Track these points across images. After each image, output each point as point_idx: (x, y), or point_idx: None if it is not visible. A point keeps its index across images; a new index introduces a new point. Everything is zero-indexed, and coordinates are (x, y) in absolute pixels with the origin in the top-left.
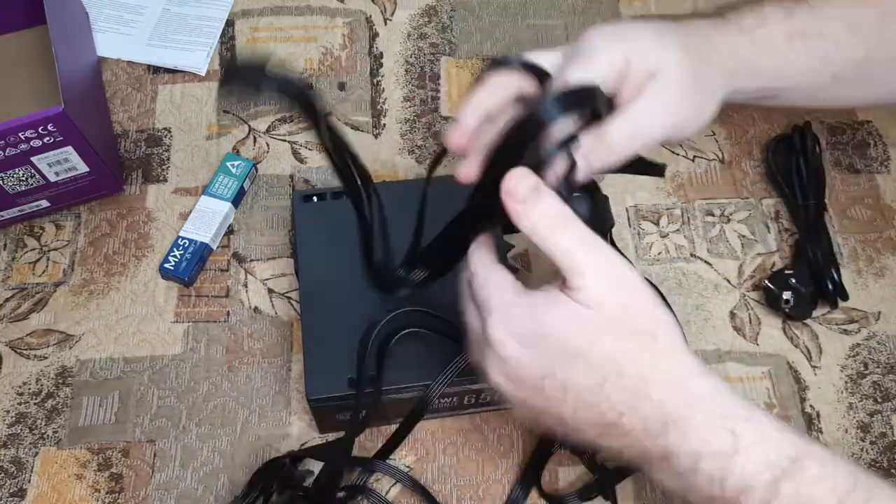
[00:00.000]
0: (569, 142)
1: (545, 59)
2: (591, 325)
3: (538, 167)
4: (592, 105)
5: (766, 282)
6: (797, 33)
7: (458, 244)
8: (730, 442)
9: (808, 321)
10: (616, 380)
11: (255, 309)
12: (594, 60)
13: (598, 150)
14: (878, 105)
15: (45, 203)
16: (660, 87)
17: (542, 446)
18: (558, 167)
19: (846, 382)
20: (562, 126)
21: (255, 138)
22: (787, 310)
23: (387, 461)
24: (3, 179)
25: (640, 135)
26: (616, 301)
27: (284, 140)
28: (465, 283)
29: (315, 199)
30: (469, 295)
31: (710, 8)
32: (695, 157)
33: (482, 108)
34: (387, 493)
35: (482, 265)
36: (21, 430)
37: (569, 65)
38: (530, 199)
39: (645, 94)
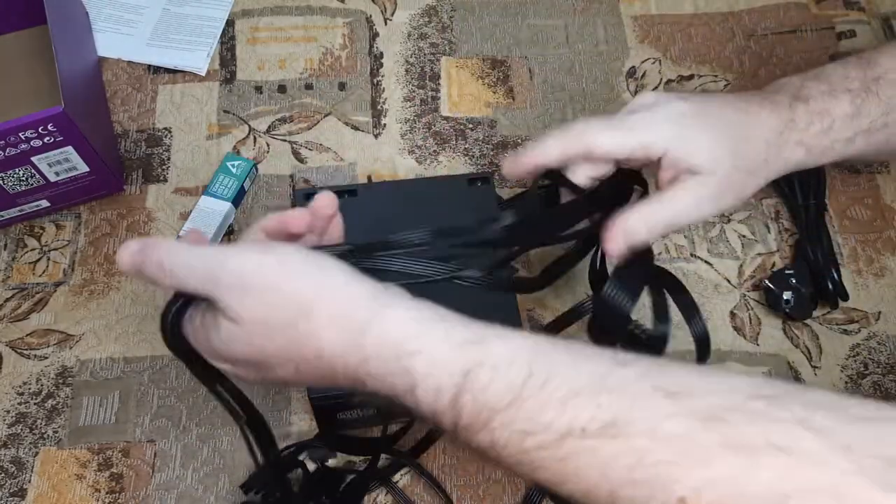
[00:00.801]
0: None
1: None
2: (248, 336)
3: None
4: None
5: (767, 282)
6: (862, 131)
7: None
8: (408, 381)
9: (809, 321)
10: (305, 365)
11: None
12: (634, 135)
13: (636, 230)
14: None
15: (45, 203)
16: (697, 186)
17: None
18: None
19: (846, 383)
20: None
21: (255, 138)
22: (787, 310)
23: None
24: (3, 179)
25: (669, 224)
26: (253, 311)
27: (285, 140)
28: None
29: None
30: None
31: (711, 9)
32: None
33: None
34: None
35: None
36: (21, 429)
37: (611, 125)
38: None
39: (681, 189)
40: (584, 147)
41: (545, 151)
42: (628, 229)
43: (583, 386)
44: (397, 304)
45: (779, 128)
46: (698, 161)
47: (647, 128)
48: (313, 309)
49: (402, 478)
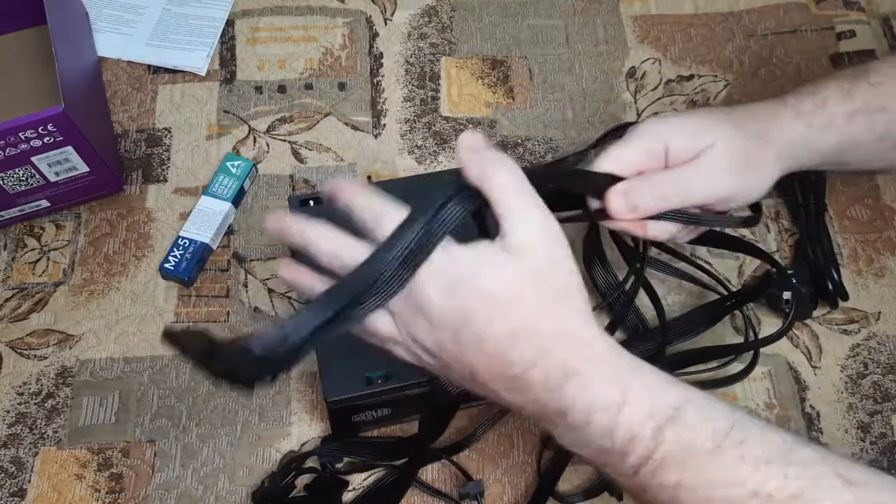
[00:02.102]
0: None
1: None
2: (514, 271)
3: None
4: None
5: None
6: (859, 111)
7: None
8: (619, 395)
9: (809, 321)
10: (528, 334)
11: (256, 309)
12: (631, 146)
13: (638, 191)
14: None
15: (45, 203)
16: (708, 157)
17: (561, 458)
18: None
19: (846, 382)
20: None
21: (255, 138)
22: (787, 310)
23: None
24: (3, 179)
25: (680, 192)
26: (544, 251)
27: (284, 140)
28: None
29: (311, 202)
30: None
31: (711, 9)
32: None
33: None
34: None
35: None
36: (21, 430)
37: (609, 152)
38: (487, 153)
39: (693, 161)
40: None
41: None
42: (630, 189)
43: (773, 454)
44: (615, 352)
45: (770, 107)
46: (700, 136)
47: (640, 135)
48: (574, 295)
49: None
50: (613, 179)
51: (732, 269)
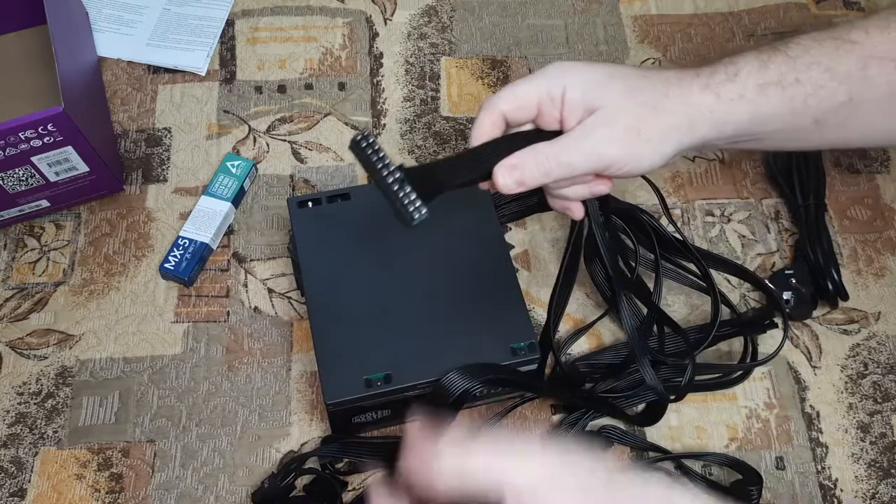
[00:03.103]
0: None
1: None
2: None
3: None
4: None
5: (767, 282)
6: (773, 83)
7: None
8: None
9: (809, 321)
10: None
11: (256, 309)
12: (533, 83)
13: (524, 166)
14: (869, 145)
15: (45, 203)
16: (591, 123)
17: None
18: None
19: (846, 383)
20: None
21: (255, 138)
22: (787, 310)
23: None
24: (3, 179)
25: (564, 163)
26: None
27: (284, 140)
28: None
29: (310, 203)
30: None
31: (711, 9)
32: (695, 157)
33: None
34: None
35: None
36: (21, 429)
37: (515, 84)
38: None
39: (577, 128)
40: (499, 113)
41: (479, 133)
42: (517, 163)
43: None
44: None
45: (680, 74)
46: (592, 95)
47: (545, 75)
48: None
49: None
50: (497, 154)
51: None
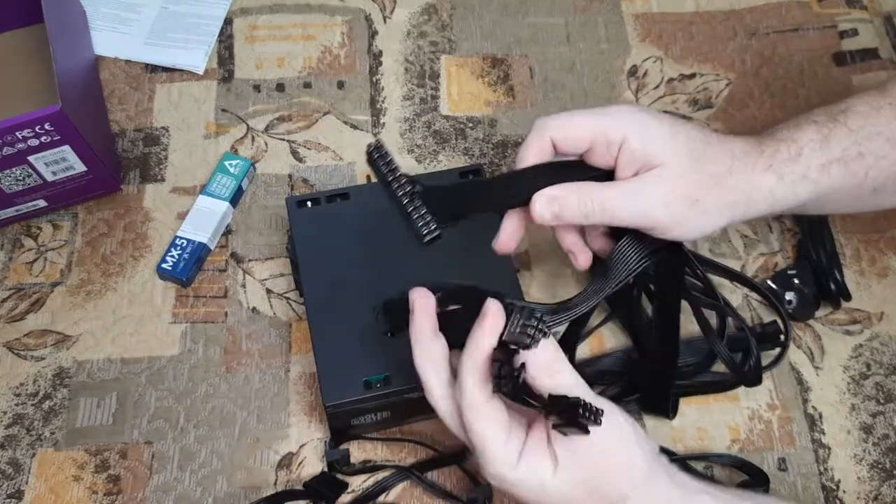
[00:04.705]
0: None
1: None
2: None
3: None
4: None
5: (769, 282)
6: (836, 160)
7: None
8: None
9: (811, 322)
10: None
11: (254, 309)
12: (592, 119)
13: (567, 200)
14: None
15: (42, 203)
16: (648, 181)
17: None
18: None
19: (849, 383)
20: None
21: (253, 137)
22: (789, 310)
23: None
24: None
25: (608, 207)
26: (581, 482)
27: (283, 139)
28: (458, 405)
29: (309, 203)
30: (462, 422)
31: (713, 8)
32: None
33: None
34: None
35: (476, 406)
36: (18, 431)
37: (572, 113)
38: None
39: (631, 180)
40: (548, 139)
41: (526, 155)
42: (559, 196)
43: None
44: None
45: (745, 148)
46: (654, 150)
47: (608, 114)
48: (629, 497)
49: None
50: (538, 182)
51: (735, 269)
